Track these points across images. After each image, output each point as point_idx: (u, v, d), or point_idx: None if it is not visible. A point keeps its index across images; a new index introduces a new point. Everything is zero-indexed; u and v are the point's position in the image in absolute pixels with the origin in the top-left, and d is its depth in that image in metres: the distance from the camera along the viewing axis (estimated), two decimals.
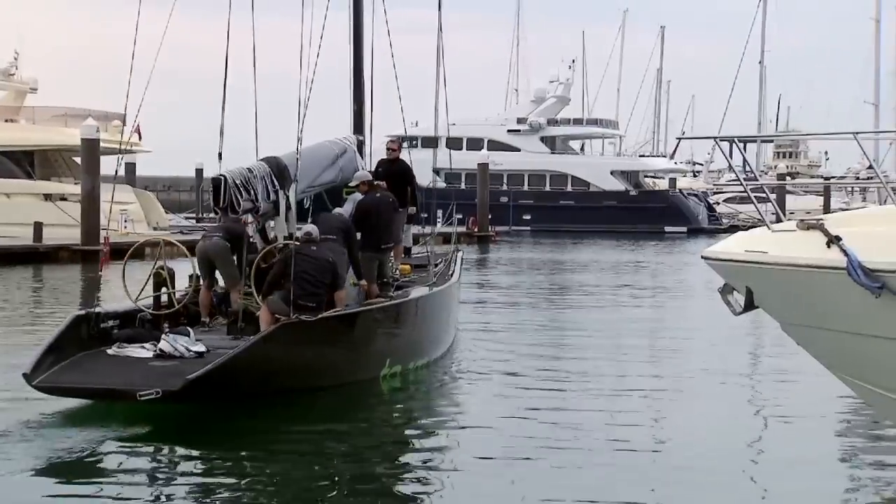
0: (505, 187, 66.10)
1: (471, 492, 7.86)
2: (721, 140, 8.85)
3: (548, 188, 68.37)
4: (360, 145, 14.33)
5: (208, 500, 7.66)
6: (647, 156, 79.24)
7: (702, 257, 8.39)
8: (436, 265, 14.95)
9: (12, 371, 10.70)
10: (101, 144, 33.75)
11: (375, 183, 13.56)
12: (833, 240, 7.57)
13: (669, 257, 41.45)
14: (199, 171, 66.19)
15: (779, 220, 8.45)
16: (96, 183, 32.36)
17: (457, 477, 8.15)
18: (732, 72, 78.09)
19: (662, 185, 72.21)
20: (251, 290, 11.90)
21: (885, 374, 7.91)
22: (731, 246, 8.32)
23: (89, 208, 31.88)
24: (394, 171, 14.50)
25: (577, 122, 72.28)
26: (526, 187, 67.99)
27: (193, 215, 58.60)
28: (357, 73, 15.05)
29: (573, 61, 74.90)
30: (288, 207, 12.69)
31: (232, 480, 8.06)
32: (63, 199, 35.64)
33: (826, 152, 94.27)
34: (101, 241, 31.66)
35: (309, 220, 12.77)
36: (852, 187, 66.76)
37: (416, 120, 66.09)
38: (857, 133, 8.20)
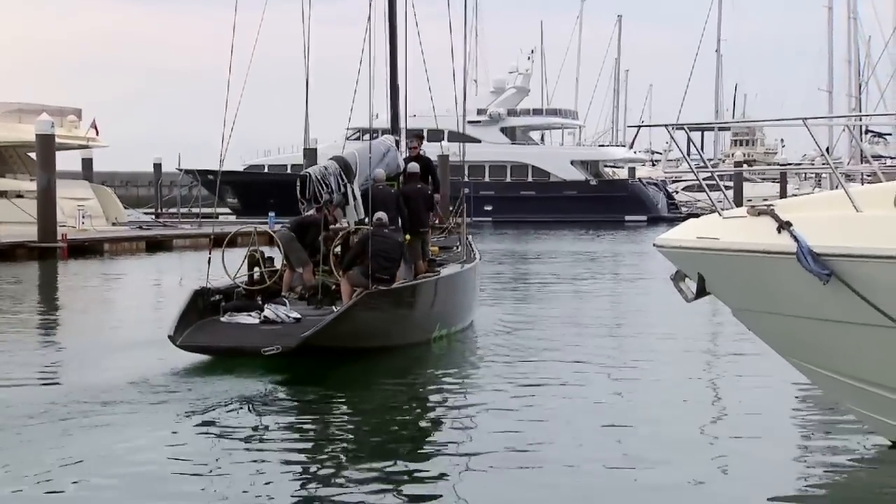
0: (466, 178, 66.09)
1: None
2: (672, 127, 8.91)
3: (508, 179, 68.48)
4: (397, 144, 16.66)
5: (317, 434, 9.54)
6: (607, 145, 79.56)
7: (654, 245, 8.46)
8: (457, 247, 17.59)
9: None
10: (57, 140, 33.35)
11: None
12: (783, 225, 7.67)
13: (631, 246, 41.68)
14: (158, 167, 65.66)
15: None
16: (52, 179, 31.98)
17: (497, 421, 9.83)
18: (690, 61, 78.60)
19: (622, 174, 72.54)
20: (327, 269, 14.25)
21: (834, 358, 8.02)
22: (682, 233, 8.39)
23: (46, 205, 31.54)
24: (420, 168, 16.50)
25: (537, 112, 72.36)
26: (487, 178, 68.08)
27: (153, 211, 58.17)
28: (393, 80, 17.28)
29: (532, 52, 75.02)
30: (353, 197, 15.00)
31: (333, 418, 10.20)
32: (19, 196, 35.15)
33: (782, 140, 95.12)
34: (60, 237, 31.44)
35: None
36: (806, 173, 67.41)
37: (377, 112, 66.14)
38: (806, 119, 8.30)
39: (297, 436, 9.37)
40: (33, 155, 34.64)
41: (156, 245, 35.71)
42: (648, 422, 9.71)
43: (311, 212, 14.70)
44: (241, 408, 10.20)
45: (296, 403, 10.64)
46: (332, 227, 15.02)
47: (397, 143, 16.61)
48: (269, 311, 13.26)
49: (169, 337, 12.28)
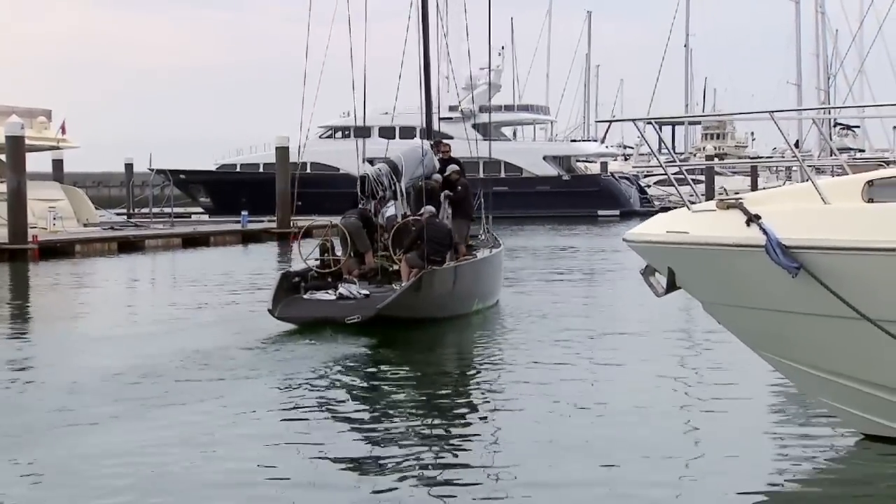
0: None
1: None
2: (639, 122, 8.92)
3: (481, 175, 68.36)
4: (432, 146, 19.04)
5: (384, 384, 11.74)
6: (579, 140, 79.65)
7: (623, 240, 8.48)
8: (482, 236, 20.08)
9: None
10: (26, 141, 33.08)
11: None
12: (752, 218, 7.71)
13: (606, 240, 41.81)
14: (129, 167, 65.25)
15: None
16: (22, 180, 31.74)
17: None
18: (659, 55, 78.72)
19: (594, 169, 72.70)
20: (385, 254, 16.82)
21: (804, 351, 8.07)
22: (651, 227, 8.40)
23: (16, 206, 31.30)
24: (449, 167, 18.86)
25: (509, 108, 72.36)
26: None
27: (125, 211, 57.76)
28: (427, 93, 19.84)
29: (502, 48, 75.03)
30: (401, 193, 17.58)
31: (402, 373, 12.50)
32: None
33: (752, 133, 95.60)
34: (30, 239, 31.20)
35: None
36: (777, 166, 67.75)
37: (347, 110, 65.89)
38: (772, 112, 8.35)
39: (374, 383, 11.80)
40: (3, 157, 34.35)
41: (128, 245, 35.50)
42: (623, 413, 9.78)
43: (363, 206, 17.25)
44: (334, 364, 12.53)
45: (373, 358, 13.14)
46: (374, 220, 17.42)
47: (432, 145, 18.98)
48: (343, 289, 15.78)
49: (269, 310, 15.12)
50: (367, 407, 10.55)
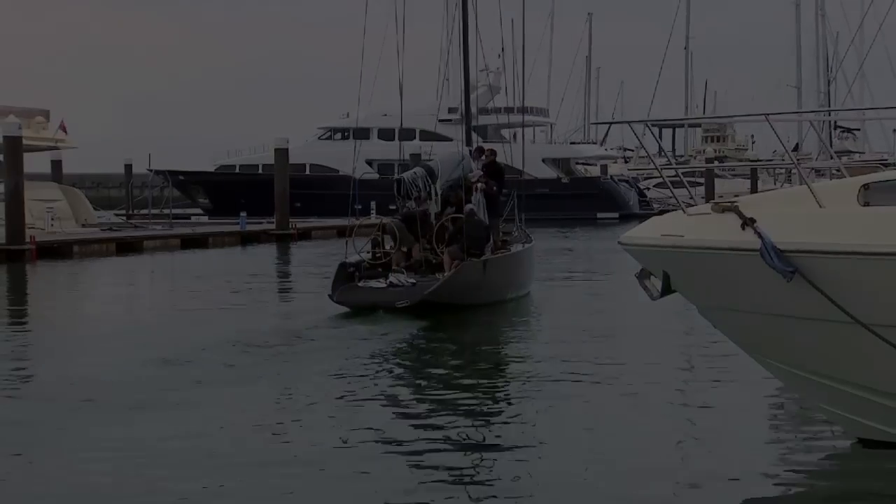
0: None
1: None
2: (634, 124, 8.91)
3: None
4: (470, 153, 21.14)
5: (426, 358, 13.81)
6: (578, 143, 79.51)
7: (619, 243, 8.45)
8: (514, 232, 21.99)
9: None
10: (24, 142, 33.07)
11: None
12: (747, 222, 7.68)
13: (604, 243, 41.80)
14: (129, 168, 65.19)
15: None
16: (20, 181, 31.72)
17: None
18: (660, 57, 78.71)
19: (594, 171, 72.59)
20: (428, 247, 18.79)
21: (798, 355, 8.05)
22: (647, 231, 8.38)
23: (14, 207, 31.27)
24: (493, 172, 20.69)
25: (508, 110, 72.22)
26: None
27: (124, 212, 57.72)
28: (466, 99, 22.56)
29: (502, 50, 74.92)
30: (436, 194, 19.64)
31: (444, 348, 14.55)
32: None
33: (752, 136, 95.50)
34: (28, 239, 31.16)
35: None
36: (776, 169, 67.66)
37: (346, 111, 65.80)
38: (769, 115, 8.33)
39: (423, 357, 13.87)
40: (0, 157, 34.29)
41: (126, 247, 35.44)
42: (621, 412, 9.76)
43: (412, 206, 19.22)
44: (388, 342, 14.48)
45: (421, 336, 15.14)
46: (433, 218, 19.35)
47: (472, 151, 20.91)
48: (393, 278, 17.80)
49: (329, 296, 17.37)
50: (415, 375, 12.45)
